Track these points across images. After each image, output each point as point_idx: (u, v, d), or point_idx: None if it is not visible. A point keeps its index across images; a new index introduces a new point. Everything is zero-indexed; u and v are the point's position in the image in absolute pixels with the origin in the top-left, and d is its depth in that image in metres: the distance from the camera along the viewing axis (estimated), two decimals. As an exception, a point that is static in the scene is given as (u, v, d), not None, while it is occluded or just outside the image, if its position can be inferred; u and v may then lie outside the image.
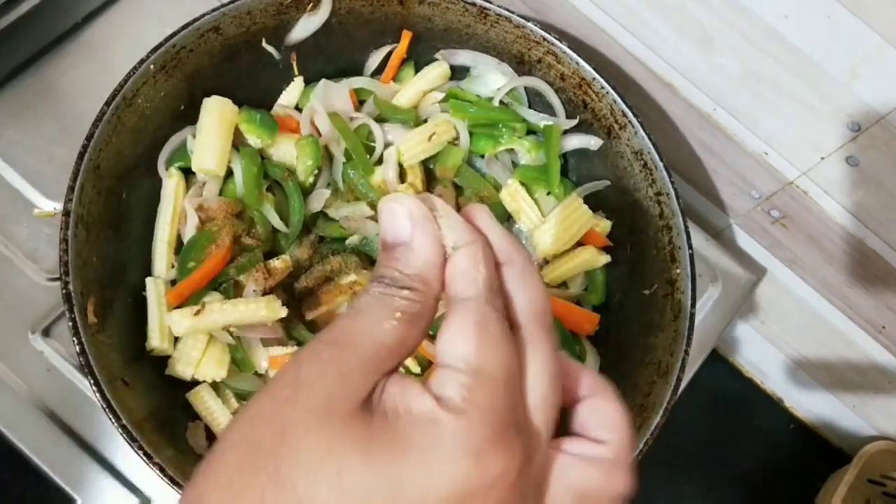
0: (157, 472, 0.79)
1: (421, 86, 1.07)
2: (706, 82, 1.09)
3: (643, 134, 0.99)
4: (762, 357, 1.48)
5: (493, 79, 1.08)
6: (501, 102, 1.07)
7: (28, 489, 0.99)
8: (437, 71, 1.07)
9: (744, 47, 0.99)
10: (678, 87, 1.12)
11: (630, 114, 0.99)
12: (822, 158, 1.05)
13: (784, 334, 1.40)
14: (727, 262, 1.22)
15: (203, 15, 0.95)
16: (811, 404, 1.48)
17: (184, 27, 0.94)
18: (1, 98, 1.12)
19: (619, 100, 0.99)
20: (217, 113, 0.97)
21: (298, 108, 1.06)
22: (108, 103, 0.89)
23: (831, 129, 1.00)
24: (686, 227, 0.96)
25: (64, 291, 0.82)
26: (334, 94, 1.04)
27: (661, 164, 0.98)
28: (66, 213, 0.84)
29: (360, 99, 1.08)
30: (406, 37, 1.07)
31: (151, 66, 0.92)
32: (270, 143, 1.00)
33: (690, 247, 0.96)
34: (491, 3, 1.02)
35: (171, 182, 0.97)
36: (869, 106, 0.94)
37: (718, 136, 1.14)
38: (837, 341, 1.30)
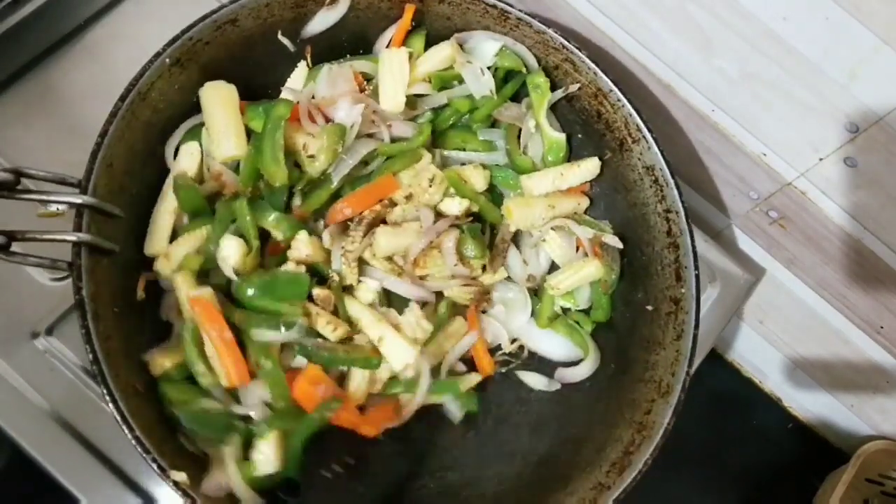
0: (172, 486, 0.79)
1: (427, 67, 1.07)
2: (705, 83, 1.09)
3: (657, 150, 0.98)
4: (761, 357, 1.48)
5: (487, 47, 1.07)
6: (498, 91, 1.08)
7: (32, 489, 1.00)
8: (442, 53, 1.06)
9: (742, 49, 1.00)
10: (677, 88, 1.13)
11: (645, 128, 0.99)
12: (821, 159, 1.05)
13: (783, 334, 1.40)
14: (726, 263, 1.23)
15: (221, 7, 0.95)
16: (809, 404, 1.48)
17: (201, 20, 0.94)
18: (5, 99, 1.12)
19: (634, 113, 0.99)
20: (218, 98, 0.97)
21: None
22: (122, 98, 0.88)
23: (829, 130, 1.01)
24: (694, 248, 0.96)
25: (77, 297, 0.80)
26: (338, 77, 1.04)
27: (672, 182, 0.97)
28: (78, 213, 0.83)
29: (366, 79, 1.08)
30: (409, 10, 1.05)
31: (167, 60, 0.92)
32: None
33: (697, 267, 0.95)
34: (512, 6, 1.01)
35: (189, 148, 0.98)
36: (867, 107, 0.95)
37: (717, 137, 1.15)
38: (836, 341, 1.30)
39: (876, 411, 1.38)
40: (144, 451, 0.78)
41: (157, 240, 0.94)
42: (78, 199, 0.82)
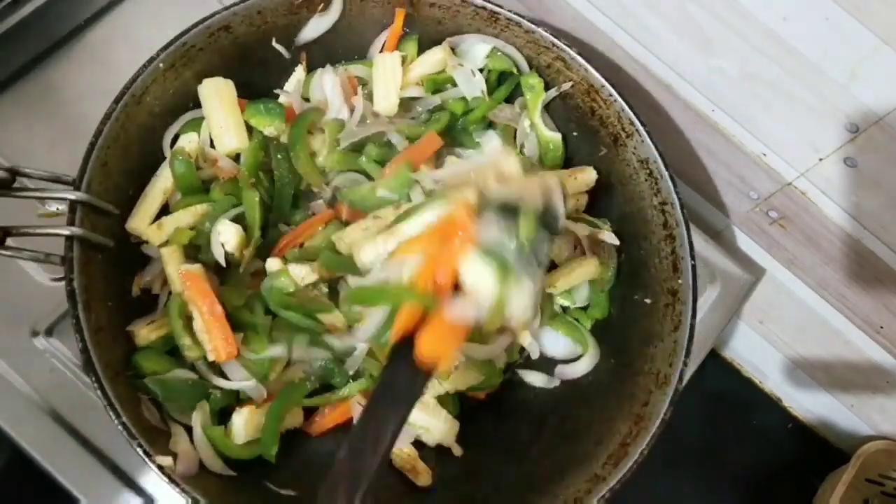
0: (156, 470, 0.80)
1: (420, 71, 1.08)
2: (705, 84, 1.09)
3: (650, 143, 0.99)
4: (761, 357, 1.48)
5: (478, 50, 1.08)
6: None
7: (32, 489, 1.00)
8: (435, 57, 1.08)
9: (743, 49, 1.00)
10: (677, 88, 1.13)
11: (637, 122, 1.00)
12: (821, 159, 1.05)
13: (782, 334, 1.40)
14: (726, 263, 1.23)
15: (214, 14, 0.96)
16: (809, 404, 1.48)
17: (194, 25, 0.95)
18: (5, 99, 1.12)
19: (626, 108, 1.00)
20: (215, 94, 0.98)
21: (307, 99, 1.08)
22: (116, 101, 0.90)
23: (829, 130, 1.01)
24: (689, 239, 0.97)
25: (68, 289, 0.82)
26: (331, 81, 1.05)
27: (666, 174, 0.98)
28: (71, 209, 0.84)
29: (361, 83, 1.09)
30: (399, 15, 1.07)
31: (161, 65, 0.93)
32: (284, 128, 1.01)
33: (693, 258, 0.96)
34: (501, 7, 1.03)
35: (188, 137, 0.98)
36: (867, 107, 0.95)
37: (717, 137, 1.15)
38: (836, 341, 1.30)
39: (876, 411, 1.37)
40: (130, 436, 0.79)
41: (142, 216, 0.95)
42: (71, 195, 0.84)
